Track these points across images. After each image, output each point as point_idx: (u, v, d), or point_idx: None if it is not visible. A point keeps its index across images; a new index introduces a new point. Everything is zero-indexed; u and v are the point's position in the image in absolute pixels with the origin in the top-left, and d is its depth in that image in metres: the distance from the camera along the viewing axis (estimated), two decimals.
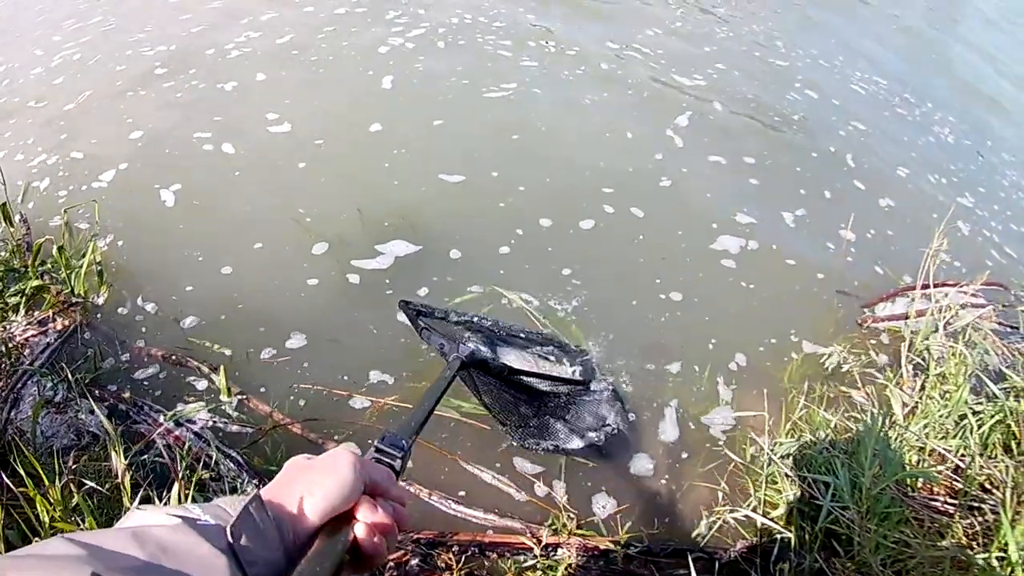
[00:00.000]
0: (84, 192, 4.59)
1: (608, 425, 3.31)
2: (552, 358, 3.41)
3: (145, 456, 3.04)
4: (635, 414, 3.47)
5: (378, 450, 1.38)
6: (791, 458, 3.19)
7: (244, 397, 3.38)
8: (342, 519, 1.10)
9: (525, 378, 2.94)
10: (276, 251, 4.13)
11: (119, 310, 3.83)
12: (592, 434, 3.25)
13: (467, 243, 4.19)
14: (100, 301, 3.86)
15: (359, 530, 1.10)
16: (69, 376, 3.32)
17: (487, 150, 5.05)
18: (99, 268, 3.92)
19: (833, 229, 4.78)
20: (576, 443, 3.23)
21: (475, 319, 3.30)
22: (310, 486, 1.09)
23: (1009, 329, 4.19)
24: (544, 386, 3.09)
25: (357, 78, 5.89)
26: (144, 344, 3.62)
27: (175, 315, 3.78)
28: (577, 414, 3.29)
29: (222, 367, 3.38)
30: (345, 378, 3.48)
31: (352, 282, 3.94)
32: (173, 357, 3.55)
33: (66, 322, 3.72)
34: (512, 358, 3.30)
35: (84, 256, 3.87)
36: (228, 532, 0.95)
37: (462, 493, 3.08)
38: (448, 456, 3.21)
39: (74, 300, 3.82)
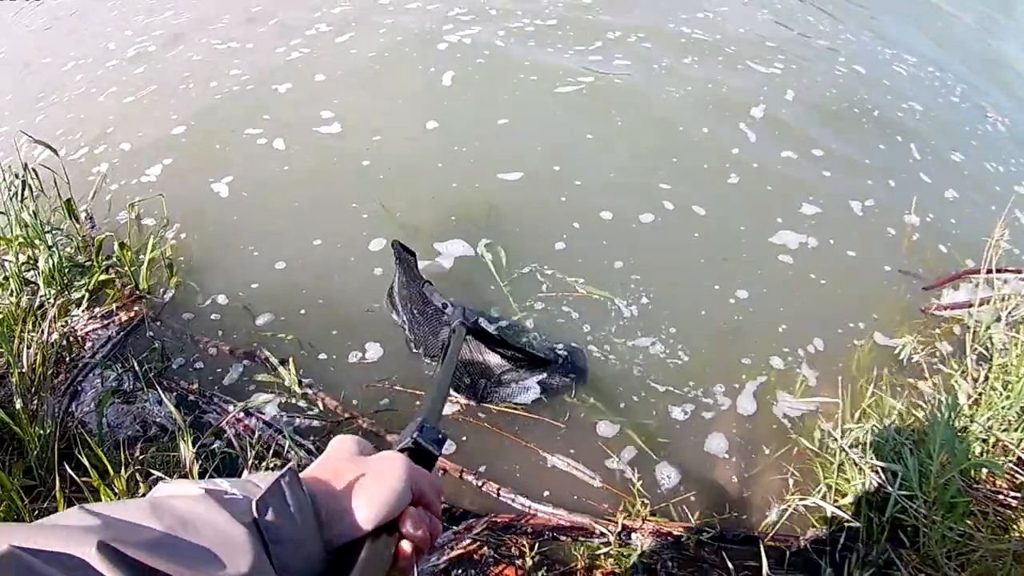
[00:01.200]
0: (144, 187, 4.64)
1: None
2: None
3: (215, 445, 3.04)
4: (702, 400, 3.46)
5: (416, 444, 1.31)
6: (860, 446, 3.17)
7: (314, 391, 3.36)
8: (386, 528, 1.07)
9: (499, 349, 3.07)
10: (334, 248, 4.14)
11: (185, 304, 3.82)
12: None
13: (524, 238, 4.17)
14: (167, 296, 3.86)
15: (402, 547, 1.07)
16: (135, 366, 3.30)
17: (551, 145, 4.99)
18: (168, 262, 3.94)
19: (897, 217, 4.70)
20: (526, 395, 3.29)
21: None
22: (361, 488, 1.05)
23: None
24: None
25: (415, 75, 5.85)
26: (211, 338, 3.62)
27: (242, 310, 3.77)
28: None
29: (291, 359, 3.40)
30: (414, 375, 3.45)
31: None
32: (242, 351, 3.53)
33: (130, 315, 3.71)
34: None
35: (148, 250, 3.90)
36: (254, 505, 0.90)
37: (532, 482, 3.07)
38: (517, 442, 3.22)
39: (138, 294, 3.82)
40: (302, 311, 3.74)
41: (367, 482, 1.06)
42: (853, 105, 6.00)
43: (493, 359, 3.29)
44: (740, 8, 7.74)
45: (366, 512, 1.03)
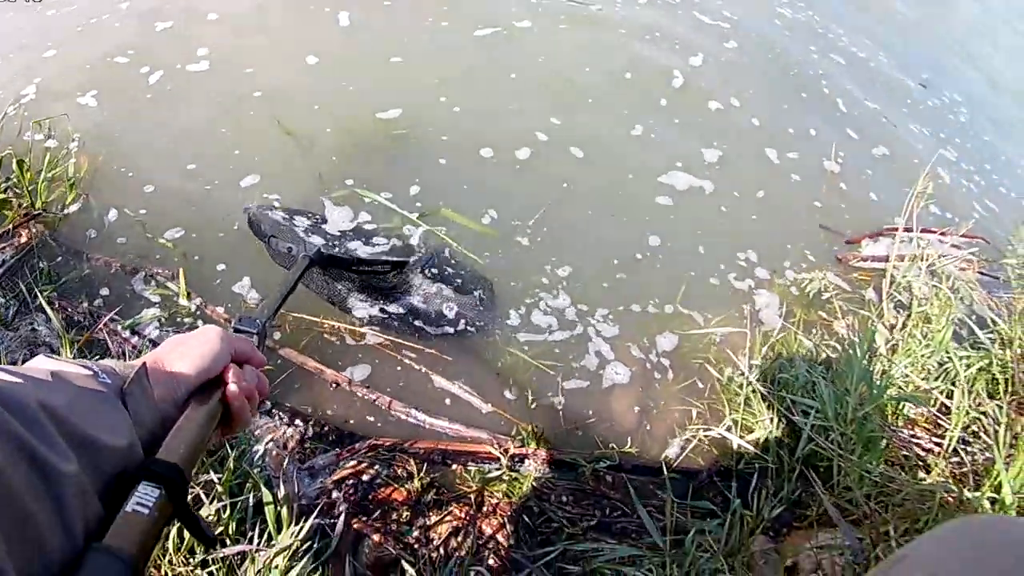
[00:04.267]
0: (48, 110, 4.23)
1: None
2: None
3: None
4: (604, 329, 3.27)
5: (236, 329, 1.53)
6: (769, 380, 2.97)
7: (202, 303, 3.15)
8: (212, 384, 1.16)
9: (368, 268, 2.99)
10: (219, 167, 3.87)
11: (83, 223, 3.53)
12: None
13: (402, 178, 3.91)
14: (67, 212, 3.58)
15: (229, 392, 1.16)
16: (23, 290, 3.09)
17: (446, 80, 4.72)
18: (70, 180, 3.65)
19: (816, 166, 4.57)
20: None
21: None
22: (184, 353, 1.15)
23: (990, 279, 3.95)
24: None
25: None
26: (104, 255, 3.36)
27: (137, 226, 3.50)
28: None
29: (181, 271, 3.18)
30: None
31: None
32: (133, 266, 3.31)
33: (28, 236, 3.44)
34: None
35: (46, 167, 3.64)
36: (121, 392, 0.96)
37: (426, 403, 2.86)
38: (405, 361, 3.01)
39: (35, 213, 3.53)
40: (194, 230, 3.51)
41: (189, 347, 1.16)
42: (779, 62, 5.82)
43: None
44: None
45: (185, 368, 1.12)
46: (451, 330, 3.12)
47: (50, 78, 4.51)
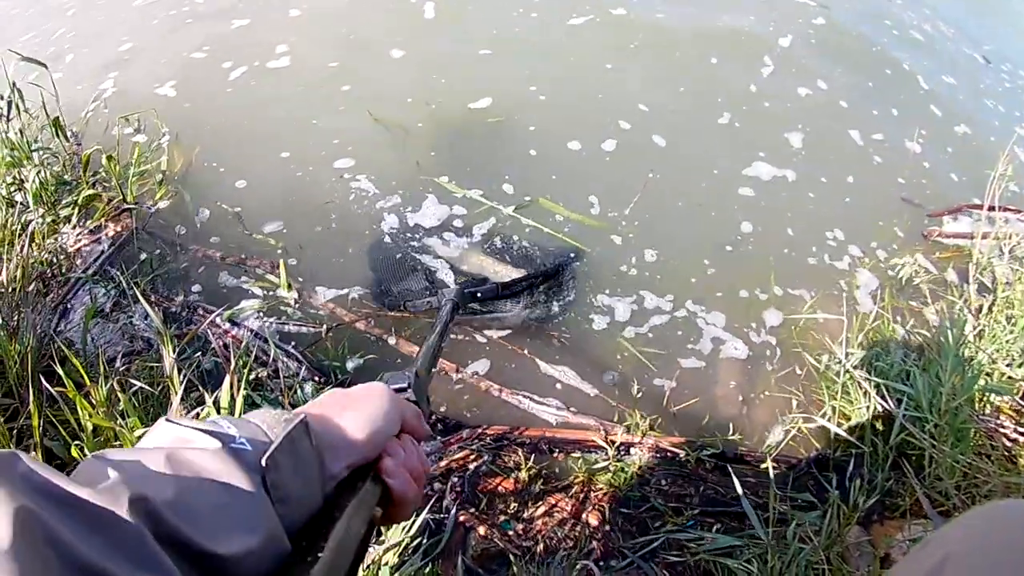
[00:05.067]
0: (136, 106, 4.28)
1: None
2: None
3: (200, 355, 2.85)
4: (703, 317, 3.28)
5: (395, 389, 1.16)
6: (864, 367, 2.95)
7: (305, 292, 3.19)
8: (372, 465, 0.95)
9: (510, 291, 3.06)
10: (308, 160, 3.90)
11: (175, 215, 3.60)
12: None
13: (495, 169, 3.90)
14: (157, 207, 3.63)
15: (394, 471, 0.95)
16: (123, 282, 3.06)
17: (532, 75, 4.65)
18: (161, 174, 3.73)
19: (899, 147, 4.48)
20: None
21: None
22: (352, 409, 0.95)
23: None
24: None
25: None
26: (200, 247, 3.41)
27: (233, 218, 3.57)
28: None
29: (282, 262, 3.20)
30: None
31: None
32: (232, 258, 3.34)
33: (118, 229, 3.49)
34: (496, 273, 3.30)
35: (136, 162, 3.70)
36: (263, 462, 0.77)
37: (533, 390, 2.88)
38: (517, 351, 3.03)
39: (126, 207, 3.57)
40: (291, 223, 3.55)
41: (358, 404, 0.97)
42: (864, 39, 5.70)
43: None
44: None
45: (359, 432, 0.93)
46: (556, 319, 3.16)
47: (130, 74, 4.59)
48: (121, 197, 3.56)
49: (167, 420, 0.80)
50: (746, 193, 3.89)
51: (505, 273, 3.26)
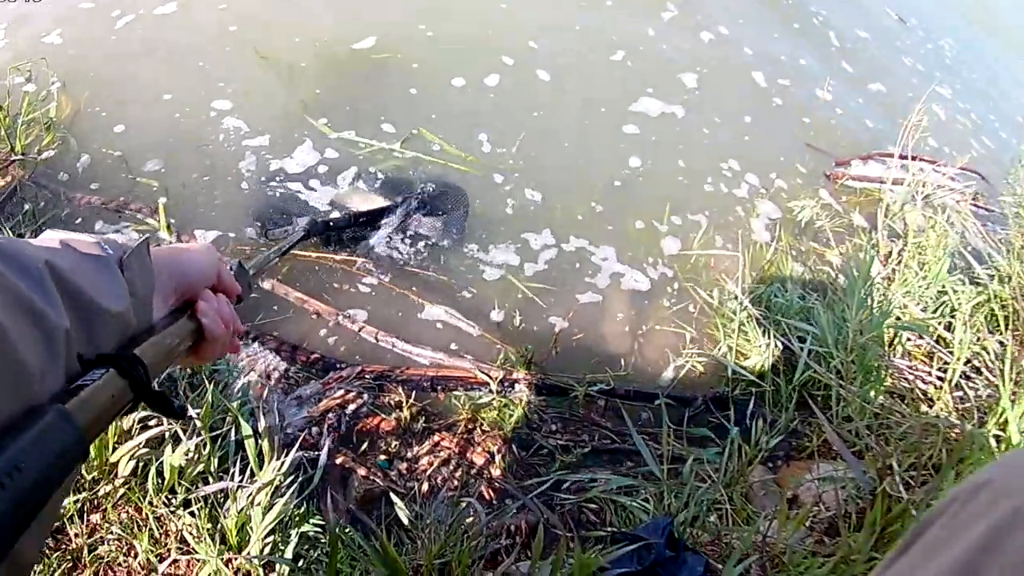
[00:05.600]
0: (26, 54, 4.17)
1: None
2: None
3: None
4: (592, 251, 3.21)
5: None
6: (763, 305, 2.87)
7: (184, 235, 3.11)
8: (191, 305, 1.10)
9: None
10: (196, 99, 3.82)
11: (62, 163, 3.49)
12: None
13: (380, 106, 3.86)
14: (47, 154, 3.52)
15: (206, 311, 1.09)
16: (8, 232, 2.99)
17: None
18: (48, 122, 3.63)
19: (807, 94, 4.48)
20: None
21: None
22: (183, 253, 1.09)
23: (986, 213, 3.90)
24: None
25: None
26: (85, 194, 3.31)
27: (118, 161, 3.48)
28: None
29: (161, 206, 3.11)
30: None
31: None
32: (113, 204, 3.25)
33: (7, 180, 3.42)
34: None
35: (24, 111, 3.62)
36: (122, 259, 0.93)
37: (414, 332, 2.75)
38: (396, 291, 2.90)
39: (15, 157, 3.49)
40: (171, 162, 3.48)
41: (184, 250, 1.10)
42: None
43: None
44: None
45: (183, 266, 1.08)
46: (439, 252, 3.08)
47: (19, 23, 4.47)
48: (9, 148, 3.48)
49: (52, 229, 0.92)
50: (632, 130, 3.84)
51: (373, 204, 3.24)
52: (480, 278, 3.01)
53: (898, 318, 2.90)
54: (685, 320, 2.94)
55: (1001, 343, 2.86)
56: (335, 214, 3.19)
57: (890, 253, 3.31)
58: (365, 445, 2.33)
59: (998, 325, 3.01)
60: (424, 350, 2.63)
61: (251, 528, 1.88)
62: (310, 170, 3.44)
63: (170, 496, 1.95)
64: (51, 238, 0.90)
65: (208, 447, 2.05)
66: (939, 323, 2.93)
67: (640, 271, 3.13)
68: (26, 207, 3.22)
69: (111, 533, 1.87)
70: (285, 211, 3.24)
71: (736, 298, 2.87)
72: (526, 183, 3.46)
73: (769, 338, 2.68)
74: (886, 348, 2.77)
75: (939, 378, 2.72)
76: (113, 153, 3.49)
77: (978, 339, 2.89)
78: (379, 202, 3.24)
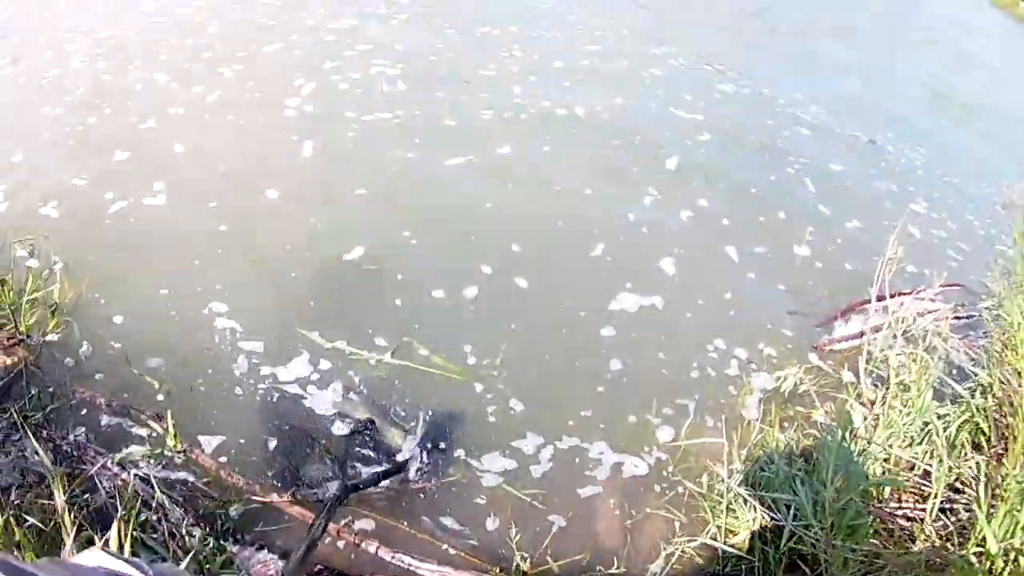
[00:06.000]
0: (30, 229, 4.44)
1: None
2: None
3: (89, 495, 2.94)
4: (582, 448, 3.41)
5: None
6: (749, 482, 3.07)
7: (189, 446, 3.26)
8: None
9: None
10: (194, 298, 4.03)
11: (66, 349, 3.68)
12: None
13: (369, 316, 4.07)
14: (49, 338, 3.70)
15: None
16: (15, 415, 3.16)
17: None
18: (52, 304, 3.81)
19: (786, 254, 4.74)
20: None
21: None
22: None
23: (967, 320, 4.15)
24: None
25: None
26: (90, 390, 3.47)
27: (121, 355, 3.64)
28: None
29: (169, 414, 3.25)
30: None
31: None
32: (117, 404, 3.40)
33: (13, 360, 3.56)
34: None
35: (28, 290, 3.83)
36: None
37: (412, 544, 2.96)
38: (399, 512, 3.11)
39: (19, 336, 3.64)
40: (172, 361, 3.65)
41: None
42: (746, 151, 6.09)
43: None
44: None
45: None
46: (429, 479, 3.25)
47: (16, 189, 4.81)
48: (14, 326, 3.65)
49: (102, 548, 0.97)
50: (610, 332, 4.04)
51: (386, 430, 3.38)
52: (476, 485, 3.19)
53: (884, 462, 3.13)
54: (676, 505, 3.14)
55: (977, 463, 3.05)
56: (339, 424, 3.36)
57: (874, 400, 3.50)
58: None
59: (985, 436, 3.23)
60: (424, 563, 2.82)
61: None
62: (306, 379, 3.58)
63: None
64: (94, 564, 0.92)
65: None
66: (926, 452, 3.13)
67: (637, 457, 3.35)
68: (33, 391, 3.35)
69: None
70: (309, 455, 3.26)
71: (723, 481, 3.06)
72: (513, 392, 3.62)
73: (755, 512, 2.88)
74: (873, 494, 2.99)
75: (921, 510, 2.92)
76: (114, 344, 3.66)
77: (961, 458, 3.14)
78: (393, 433, 3.36)
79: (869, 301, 3.98)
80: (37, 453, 3.00)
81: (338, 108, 5.88)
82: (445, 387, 3.65)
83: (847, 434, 3.19)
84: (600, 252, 4.60)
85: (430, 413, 3.46)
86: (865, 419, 3.38)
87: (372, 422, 3.36)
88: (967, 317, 4.17)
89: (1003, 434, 3.27)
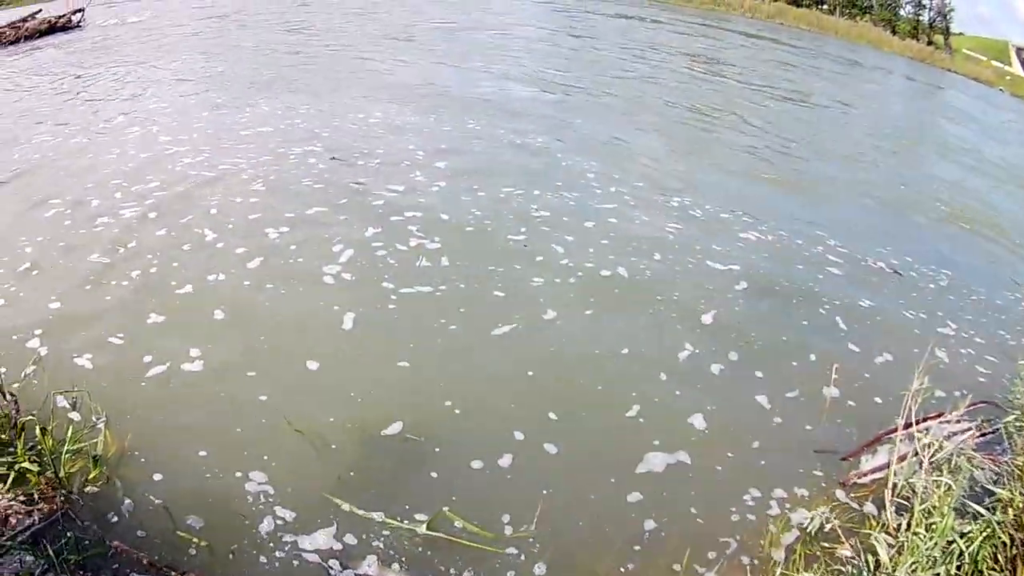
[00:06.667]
0: (74, 379, 4.62)
1: None
2: None
3: None
4: None
5: None
6: None
7: None
8: None
9: None
10: (241, 459, 4.14)
11: (105, 500, 3.76)
12: None
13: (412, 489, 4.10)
14: (88, 489, 3.80)
15: None
16: (52, 557, 3.27)
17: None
18: (95, 456, 3.92)
19: (816, 393, 4.91)
20: None
21: None
22: None
23: (992, 435, 4.31)
24: None
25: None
26: (127, 543, 3.52)
27: (161, 511, 3.73)
28: None
29: None
30: None
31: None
32: (154, 563, 3.44)
33: (51, 506, 3.64)
34: None
35: (68, 441, 3.93)
36: None
37: None
38: None
39: (57, 483, 3.73)
40: (218, 522, 3.71)
41: None
42: (778, 298, 6.31)
43: None
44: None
45: None
46: None
47: (56, 340, 5.00)
48: (54, 473, 3.75)
49: None
50: (637, 497, 4.11)
51: None
52: None
53: None
54: None
55: None
56: None
57: (899, 527, 3.65)
58: None
59: (1004, 548, 3.35)
60: None
61: None
62: (341, 550, 3.61)
63: None
64: None
65: None
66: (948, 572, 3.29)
67: None
68: (68, 535, 3.42)
69: None
70: None
71: None
72: (551, 559, 3.68)
73: None
74: None
75: None
76: (154, 500, 3.73)
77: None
78: None
79: (895, 430, 4.11)
80: None
81: (378, 277, 6.09)
82: (480, 556, 3.69)
83: (870, 567, 3.42)
84: (634, 413, 4.73)
85: None
86: (890, 547, 3.53)
87: None
88: (992, 432, 4.32)
89: (1020, 547, 3.39)
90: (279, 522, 3.74)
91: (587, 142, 10.48)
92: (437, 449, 4.32)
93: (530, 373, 5.07)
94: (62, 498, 3.67)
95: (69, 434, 3.94)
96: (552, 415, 4.68)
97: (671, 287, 6.28)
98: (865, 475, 4.22)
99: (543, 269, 6.35)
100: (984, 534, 3.43)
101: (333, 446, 4.27)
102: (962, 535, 3.43)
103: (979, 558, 3.37)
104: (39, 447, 3.83)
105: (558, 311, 5.78)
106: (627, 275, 6.43)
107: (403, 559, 3.62)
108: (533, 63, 16.79)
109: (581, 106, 13.06)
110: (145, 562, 3.42)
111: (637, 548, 3.81)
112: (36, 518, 3.54)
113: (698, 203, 8.52)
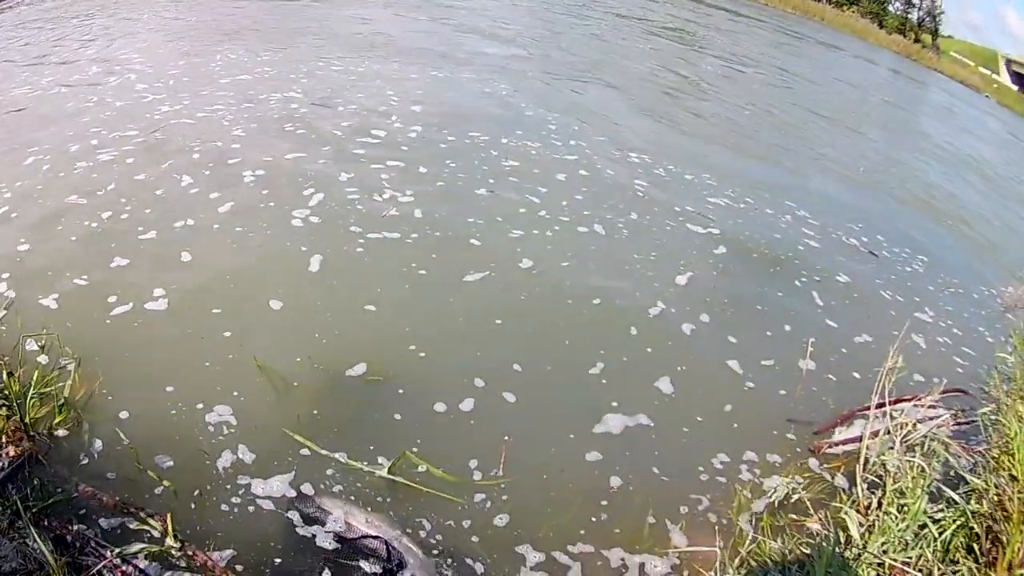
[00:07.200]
0: (44, 314, 4.62)
1: None
2: None
3: None
4: (578, 563, 3.41)
5: None
6: None
7: (189, 548, 3.25)
8: None
9: None
10: (202, 396, 4.07)
11: (71, 443, 3.71)
12: None
13: (371, 429, 4.07)
14: (57, 432, 3.73)
15: None
16: (17, 501, 3.20)
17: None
18: (62, 400, 3.84)
19: (791, 367, 4.80)
20: None
21: None
22: None
23: (967, 425, 4.22)
24: None
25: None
26: (95, 485, 3.47)
27: (128, 452, 3.66)
28: None
29: (168, 516, 3.28)
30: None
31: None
32: (120, 503, 3.40)
33: (18, 451, 3.57)
34: None
35: (34, 384, 3.84)
36: None
37: None
38: None
39: (24, 428, 3.66)
40: (184, 460, 3.67)
41: None
42: (756, 264, 6.26)
43: None
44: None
45: None
46: None
47: (21, 280, 4.92)
48: (19, 418, 3.67)
49: None
50: (598, 452, 4.04)
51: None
52: None
53: (879, 565, 3.19)
54: None
55: (970, 569, 3.13)
56: (338, 537, 3.33)
57: (869, 504, 3.57)
58: None
59: (978, 541, 3.26)
60: None
61: None
62: (305, 489, 3.57)
63: None
64: None
65: None
66: (920, 556, 3.18)
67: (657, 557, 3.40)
68: (35, 482, 3.36)
69: None
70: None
71: None
72: (512, 509, 3.62)
73: None
74: None
75: None
76: (123, 440, 3.67)
77: (955, 562, 3.19)
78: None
79: (870, 408, 4.05)
80: (36, 541, 3.07)
81: (345, 222, 5.96)
82: (442, 503, 3.64)
83: (840, 542, 3.29)
84: (598, 371, 4.64)
85: (430, 526, 3.51)
86: (860, 525, 3.43)
87: (373, 537, 3.40)
88: (968, 423, 4.25)
89: (995, 540, 3.30)
90: (241, 461, 3.70)
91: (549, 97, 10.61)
92: (400, 391, 4.26)
93: (498, 322, 5.01)
94: (28, 443, 3.59)
95: (35, 377, 3.86)
96: (516, 366, 4.60)
97: (648, 246, 6.17)
98: (837, 445, 4.13)
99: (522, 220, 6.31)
100: (957, 523, 3.35)
101: (295, 384, 4.23)
102: (934, 521, 3.35)
103: (952, 546, 3.27)
104: (5, 391, 3.76)
105: (535, 262, 5.67)
106: (603, 232, 6.35)
107: (367, 501, 3.57)
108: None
109: (548, 67, 13.16)
110: (111, 504, 3.37)
111: (604, 503, 3.70)
112: (4, 463, 3.47)
113: (659, 162, 8.53)
